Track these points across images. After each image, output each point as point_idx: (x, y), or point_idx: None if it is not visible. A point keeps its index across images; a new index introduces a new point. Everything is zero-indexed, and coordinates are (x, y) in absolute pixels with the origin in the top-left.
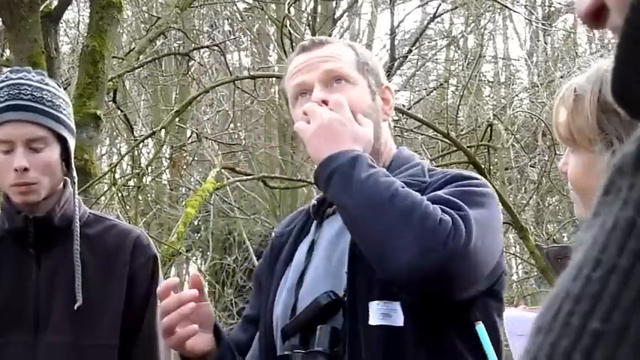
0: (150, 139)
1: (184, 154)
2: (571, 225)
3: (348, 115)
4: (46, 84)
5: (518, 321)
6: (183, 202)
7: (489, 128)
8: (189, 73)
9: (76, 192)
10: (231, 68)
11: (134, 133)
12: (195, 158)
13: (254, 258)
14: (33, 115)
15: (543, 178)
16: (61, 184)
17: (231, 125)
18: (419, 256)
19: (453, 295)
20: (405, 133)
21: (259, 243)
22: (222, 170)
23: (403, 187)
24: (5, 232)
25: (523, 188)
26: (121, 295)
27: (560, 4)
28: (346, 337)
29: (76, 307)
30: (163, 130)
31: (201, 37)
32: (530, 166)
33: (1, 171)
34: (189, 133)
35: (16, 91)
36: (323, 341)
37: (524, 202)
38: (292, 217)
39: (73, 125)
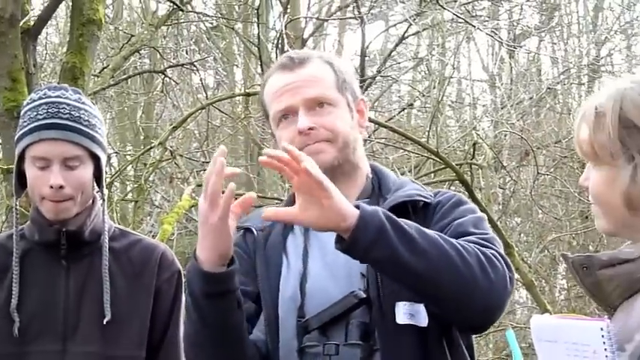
0: (115, 156)
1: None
2: (537, 246)
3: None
4: (83, 103)
5: (545, 327)
6: (154, 220)
7: (474, 147)
8: (164, 90)
9: (105, 208)
10: (195, 87)
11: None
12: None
13: None
14: (71, 134)
15: (512, 199)
16: (91, 199)
17: (196, 144)
18: (498, 297)
19: None
20: (378, 149)
21: None
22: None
23: (447, 237)
24: (35, 243)
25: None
26: (148, 308)
27: (526, 27)
28: (375, 333)
29: (105, 322)
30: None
31: (166, 55)
32: (500, 187)
33: (35, 185)
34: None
35: (55, 110)
36: (355, 334)
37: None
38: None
39: (105, 143)
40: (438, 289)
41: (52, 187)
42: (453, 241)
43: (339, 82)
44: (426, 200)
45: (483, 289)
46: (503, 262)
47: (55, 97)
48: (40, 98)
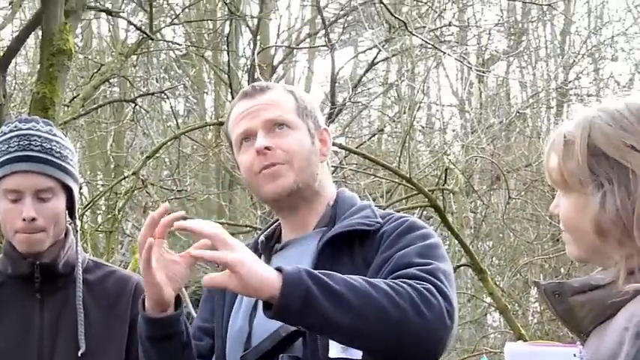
0: (85, 185)
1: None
2: (509, 270)
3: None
4: (54, 134)
5: (519, 354)
6: (125, 249)
7: (445, 172)
8: (135, 119)
9: (79, 239)
10: (165, 115)
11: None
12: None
13: (189, 304)
14: (43, 166)
15: (483, 223)
16: (64, 231)
17: (167, 172)
18: (435, 335)
19: None
20: (350, 175)
21: (193, 291)
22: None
23: (377, 281)
24: (8, 277)
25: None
26: (123, 339)
27: (494, 51)
28: None
29: (80, 354)
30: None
31: (135, 83)
32: (471, 211)
33: (8, 218)
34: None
35: (27, 142)
36: None
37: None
38: (250, 244)
39: (77, 174)
40: (371, 340)
41: (24, 219)
42: (384, 285)
43: (299, 109)
44: (368, 229)
45: (418, 331)
46: (440, 295)
47: (27, 129)
48: (10, 131)
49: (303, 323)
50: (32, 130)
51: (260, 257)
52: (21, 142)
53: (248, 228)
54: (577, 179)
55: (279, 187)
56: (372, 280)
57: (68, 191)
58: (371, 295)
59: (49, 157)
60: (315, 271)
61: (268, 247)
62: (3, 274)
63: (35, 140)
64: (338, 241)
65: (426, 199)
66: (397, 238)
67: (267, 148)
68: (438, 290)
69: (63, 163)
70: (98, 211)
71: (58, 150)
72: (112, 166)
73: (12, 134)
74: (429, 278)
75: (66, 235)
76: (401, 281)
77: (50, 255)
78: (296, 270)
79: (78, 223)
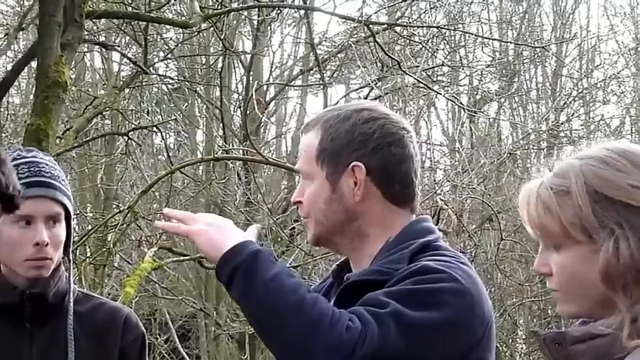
0: (75, 218)
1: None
2: (497, 311)
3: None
4: (55, 163)
5: None
6: (113, 282)
7: (438, 213)
8: (127, 152)
9: (71, 270)
10: (155, 149)
11: None
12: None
13: (176, 339)
14: (54, 192)
15: (473, 263)
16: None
17: (156, 205)
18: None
19: None
20: None
21: (180, 325)
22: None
23: (309, 292)
24: None
25: None
26: None
27: (487, 91)
28: None
29: None
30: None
31: (127, 116)
32: (461, 252)
33: (17, 244)
34: (116, 210)
35: (37, 169)
36: None
37: None
38: (329, 273)
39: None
40: (268, 336)
41: (38, 244)
42: (304, 291)
43: (321, 151)
44: (380, 279)
45: (313, 344)
46: (361, 326)
47: (31, 157)
48: (16, 159)
49: (231, 294)
50: (37, 157)
51: (333, 285)
52: (32, 169)
53: None
54: (579, 229)
55: (309, 239)
56: (302, 289)
57: (67, 220)
58: (284, 298)
59: (57, 184)
60: (263, 254)
61: (341, 274)
62: None
63: (44, 167)
64: (351, 289)
65: None
66: (397, 281)
67: (296, 202)
68: (365, 326)
69: (67, 190)
70: (86, 244)
71: (62, 178)
72: (102, 198)
73: (19, 161)
74: (364, 315)
75: (58, 265)
76: (352, 311)
77: (41, 284)
78: (244, 245)
79: (71, 252)
